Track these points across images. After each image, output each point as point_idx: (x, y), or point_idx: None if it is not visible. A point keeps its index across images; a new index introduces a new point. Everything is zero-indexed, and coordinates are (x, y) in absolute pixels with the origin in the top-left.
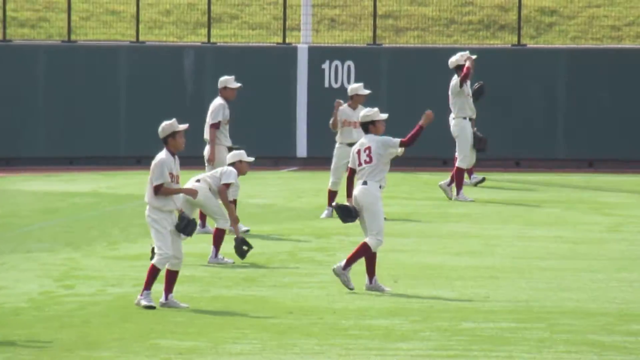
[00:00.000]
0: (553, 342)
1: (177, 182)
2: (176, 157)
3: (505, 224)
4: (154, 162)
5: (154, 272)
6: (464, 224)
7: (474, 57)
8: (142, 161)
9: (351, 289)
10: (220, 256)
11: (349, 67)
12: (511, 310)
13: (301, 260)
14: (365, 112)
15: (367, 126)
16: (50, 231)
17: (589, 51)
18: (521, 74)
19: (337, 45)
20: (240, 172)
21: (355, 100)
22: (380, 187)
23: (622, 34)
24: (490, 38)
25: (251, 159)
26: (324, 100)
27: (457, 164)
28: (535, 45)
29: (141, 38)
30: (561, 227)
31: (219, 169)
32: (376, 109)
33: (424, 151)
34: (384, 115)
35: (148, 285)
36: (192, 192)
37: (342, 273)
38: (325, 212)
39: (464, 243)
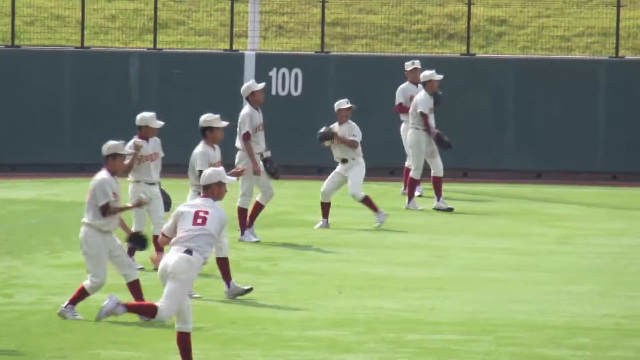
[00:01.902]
0: (499, 354)
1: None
2: (115, 177)
3: (454, 234)
4: (93, 183)
5: (83, 294)
6: (412, 235)
7: (439, 77)
8: (85, 168)
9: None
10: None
11: (296, 74)
12: (458, 322)
13: (246, 270)
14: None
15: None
16: None
17: (537, 61)
18: (470, 83)
19: (284, 52)
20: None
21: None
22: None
23: (572, 45)
24: (440, 47)
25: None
26: (271, 108)
27: (411, 175)
28: (484, 55)
29: (86, 43)
30: (510, 238)
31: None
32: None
33: (373, 161)
34: (224, 123)
35: (74, 301)
36: (142, 203)
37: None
38: (320, 223)
39: (411, 254)
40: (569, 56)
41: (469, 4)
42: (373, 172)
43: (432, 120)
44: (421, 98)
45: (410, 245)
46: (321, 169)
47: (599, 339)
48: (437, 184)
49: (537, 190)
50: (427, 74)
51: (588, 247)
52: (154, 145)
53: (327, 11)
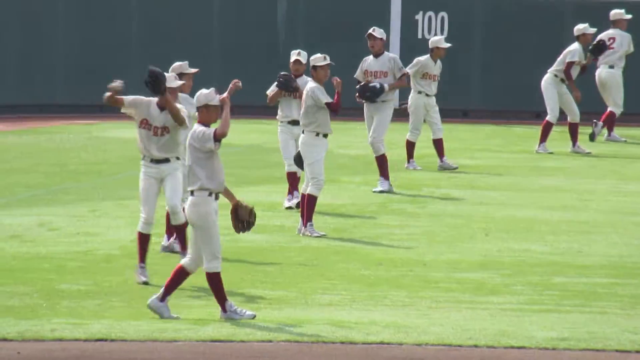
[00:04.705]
0: None
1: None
2: None
3: (600, 178)
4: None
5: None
6: (557, 178)
7: (592, 30)
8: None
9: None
10: None
11: (442, 18)
12: (604, 265)
13: (392, 212)
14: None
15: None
16: None
17: None
18: None
19: None
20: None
21: (435, 53)
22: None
23: None
24: None
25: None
26: (417, 52)
27: (610, 110)
28: None
29: None
30: None
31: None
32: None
33: (517, 104)
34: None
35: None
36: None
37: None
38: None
39: (557, 197)
40: None
41: None
42: (519, 116)
43: (575, 73)
44: (575, 48)
45: (556, 188)
46: (465, 112)
47: None
48: (573, 129)
49: None
50: (580, 27)
51: None
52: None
53: None
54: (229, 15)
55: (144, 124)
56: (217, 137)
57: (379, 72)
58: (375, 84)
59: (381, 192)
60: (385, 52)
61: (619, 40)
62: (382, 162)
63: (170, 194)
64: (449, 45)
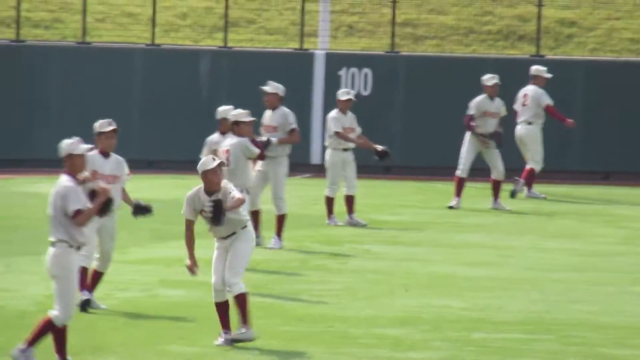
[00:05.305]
0: (564, 354)
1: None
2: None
3: (520, 235)
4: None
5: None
6: (478, 234)
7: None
8: (153, 165)
9: None
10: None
11: (366, 74)
12: (522, 321)
13: (313, 268)
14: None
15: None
16: None
17: (607, 63)
18: None
19: (354, 52)
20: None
21: (343, 107)
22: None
23: None
24: (509, 48)
25: None
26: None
27: (529, 167)
28: (554, 57)
29: (157, 41)
30: (575, 239)
31: None
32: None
33: (437, 161)
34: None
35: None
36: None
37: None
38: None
39: (478, 253)
40: (638, 58)
41: (540, 5)
42: (438, 172)
43: (493, 123)
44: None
45: (477, 244)
46: (388, 168)
47: None
48: (496, 186)
49: (603, 191)
50: (485, 78)
51: None
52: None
53: (397, 11)
54: (150, 70)
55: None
56: (76, 220)
57: (270, 126)
58: (263, 138)
59: (271, 248)
60: (282, 107)
61: (532, 96)
62: (281, 221)
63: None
64: (348, 97)
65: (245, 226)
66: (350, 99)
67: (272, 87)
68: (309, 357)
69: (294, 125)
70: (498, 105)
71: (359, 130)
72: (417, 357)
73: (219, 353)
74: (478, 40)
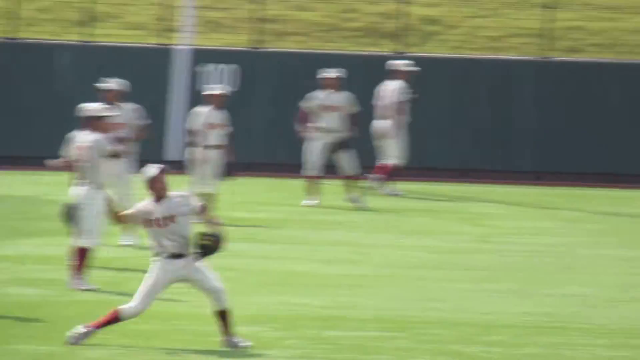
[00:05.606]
0: (416, 352)
1: None
2: None
3: (378, 232)
4: None
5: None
6: (336, 232)
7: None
8: (10, 160)
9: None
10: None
11: (227, 70)
12: (377, 319)
13: None
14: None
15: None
16: None
17: (466, 61)
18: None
19: (218, 48)
20: None
21: (216, 102)
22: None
23: (503, 45)
24: (373, 45)
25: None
26: (200, 104)
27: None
28: (416, 54)
29: (21, 35)
30: (430, 236)
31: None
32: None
33: (289, 158)
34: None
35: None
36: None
37: None
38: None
39: (336, 251)
40: (497, 56)
41: (401, 2)
42: (297, 169)
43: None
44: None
45: (335, 242)
46: (248, 165)
47: (513, 336)
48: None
49: (460, 188)
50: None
51: (507, 246)
52: None
53: (262, 7)
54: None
55: None
56: None
57: (118, 124)
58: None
59: (126, 245)
60: (129, 103)
61: (390, 91)
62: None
63: None
64: (220, 92)
65: None
66: (222, 94)
67: (112, 83)
68: (158, 355)
69: (141, 122)
70: (339, 99)
71: (230, 128)
72: (270, 355)
73: (68, 352)
74: (341, 37)
